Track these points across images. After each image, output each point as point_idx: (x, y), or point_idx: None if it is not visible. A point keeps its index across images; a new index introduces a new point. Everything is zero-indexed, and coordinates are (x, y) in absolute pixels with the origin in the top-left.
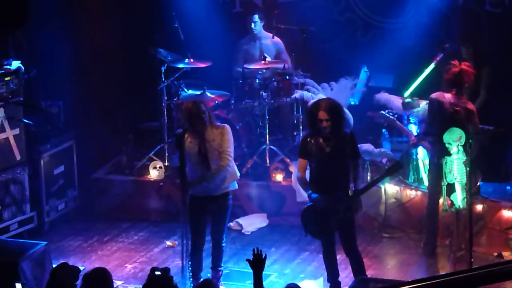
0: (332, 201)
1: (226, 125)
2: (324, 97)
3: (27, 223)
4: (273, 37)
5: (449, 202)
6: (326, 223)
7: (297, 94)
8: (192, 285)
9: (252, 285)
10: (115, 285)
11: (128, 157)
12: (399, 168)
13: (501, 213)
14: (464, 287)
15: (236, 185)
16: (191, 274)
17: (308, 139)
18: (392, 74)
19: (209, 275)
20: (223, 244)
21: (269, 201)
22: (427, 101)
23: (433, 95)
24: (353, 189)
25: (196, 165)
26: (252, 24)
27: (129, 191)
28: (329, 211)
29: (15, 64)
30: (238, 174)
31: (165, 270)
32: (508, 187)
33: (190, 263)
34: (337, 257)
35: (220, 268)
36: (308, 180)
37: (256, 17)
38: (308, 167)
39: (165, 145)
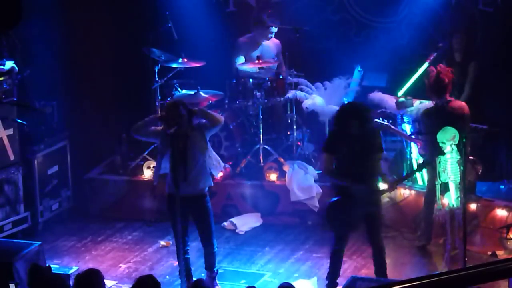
0: (363, 193)
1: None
2: (318, 97)
3: (21, 223)
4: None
5: (443, 201)
6: (354, 217)
7: (291, 94)
8: (185, 285)
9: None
10: (109, 285)
11: (122, 157)
12: (428, 165)
13: (495, 212)
14: (458, 286)
15: (212, 182)
16: (183, 274)
17: (337, 135)
18: (386, 73)
19: (203, 274)
20: (215, 250)
21: (263, 200)
22: (421, 100)
23: (423, 109)
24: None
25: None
26: (271, 35)
27: (123, 191)
28: (358, 204)
29: (9, 64)
30: (222, 163)
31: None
32: (502, 186)
33: (179, 263)
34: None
35: (214, 269)
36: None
37: (274, 28)
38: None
39: (159, 145)
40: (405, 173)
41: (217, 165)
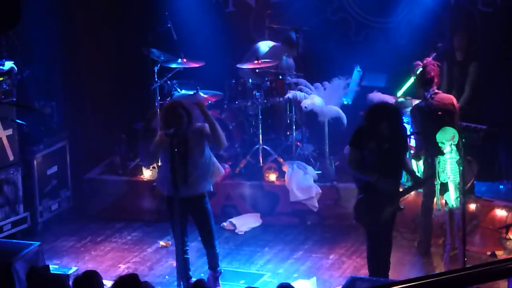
0: (388, 188)
1: (205, 124)
2: (317, 97)
3: (20, 224)
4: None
5: (443, 201)
6: (383, 212)
7: (290, 94)
8: (184, 285)
9: None
10: (108, 286)
11: (121, 157)
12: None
13: (494, 212)
14: (457, 286)
15: (211, 187)
16: (182, 274)
17: (365, 131)
18: (385, 74)
19: (202, 275)
20: (217, 251)
21: (263, 201)
22: (420, 101)
23: (413, 105)
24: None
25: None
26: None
27: (122, 191)
28: (384, 200)
29: (8, 64)
30: (222, 170)
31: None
32: (501, 186)
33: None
34: (330, 257)
35: (218, 269)
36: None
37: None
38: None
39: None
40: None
41: (216, 171)
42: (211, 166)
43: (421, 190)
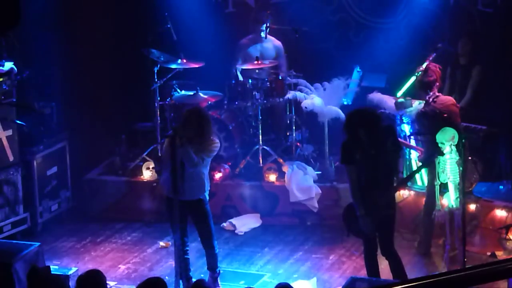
0: (375, 199)
1: (217, 140)
2: (317, 97)
3: (20, 224)
4: (265, 37)
5: (443, 201)
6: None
7: (290, 94)
8: (183, 286)
9: None
10: (108, 286)
11: (121, 158)
12: (428, 165)
13: (494, 213)
14: (457, 286)
15: (207, 196)
16: (182, 274)
17: (350, 144)
18: (385, 74)
19: (202, 275)
20: (217, 252)
21: (262, 201)
22: (420, 101)
23: (417, 112)
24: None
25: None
26: (262, 33)
27: (122, 191)
28: (372, 210)
29: (8, 65)
30: (208, 187)
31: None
32: (501, 187)
33: (177, 264)
34: (330, 257)
35: (217, 269)
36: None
37: (264, 25)
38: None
39: (158, 145)
40: (405, 175)
41: (201, 187)
42: (207, 178)
43: (424, 190)
